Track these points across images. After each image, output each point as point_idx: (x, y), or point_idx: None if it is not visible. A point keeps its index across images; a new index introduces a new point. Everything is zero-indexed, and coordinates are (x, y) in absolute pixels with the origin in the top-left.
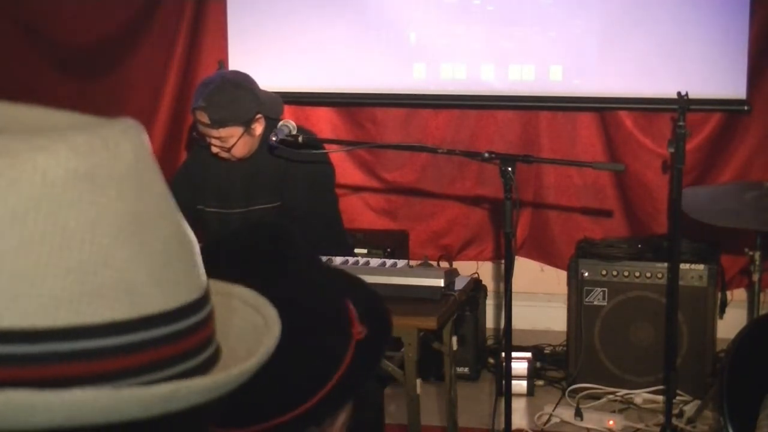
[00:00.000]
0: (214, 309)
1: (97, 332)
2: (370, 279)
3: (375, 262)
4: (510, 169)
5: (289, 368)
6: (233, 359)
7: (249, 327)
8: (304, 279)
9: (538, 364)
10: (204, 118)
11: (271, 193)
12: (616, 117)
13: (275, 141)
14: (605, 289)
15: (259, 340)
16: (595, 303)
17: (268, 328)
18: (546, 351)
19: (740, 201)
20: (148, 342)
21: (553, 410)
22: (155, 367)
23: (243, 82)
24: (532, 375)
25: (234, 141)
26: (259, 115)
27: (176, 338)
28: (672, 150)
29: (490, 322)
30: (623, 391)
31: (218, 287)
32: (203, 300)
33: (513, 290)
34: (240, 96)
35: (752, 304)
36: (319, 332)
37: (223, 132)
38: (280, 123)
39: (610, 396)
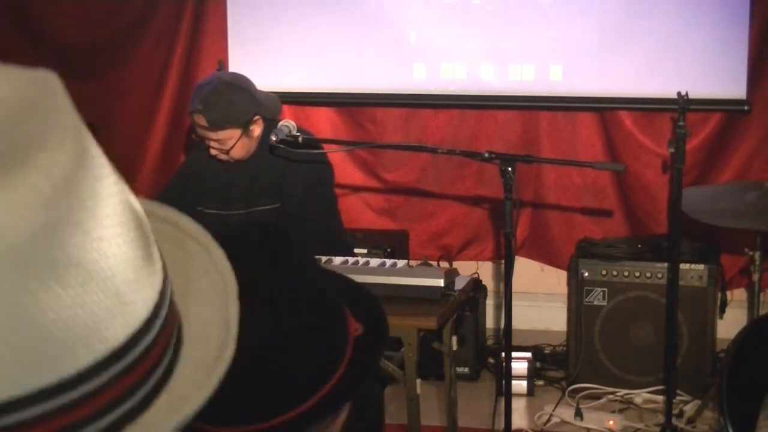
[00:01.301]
0: (172, 303)
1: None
2: (370, 279)
3: (375, 262)
4: (510, 169)
5: (291, 367)
6: (197, 335)
7: (209, 286)
8: (301, 278)
9: (538, 364)
10: (201, 120)
11: (270, 194)
12: (616, 117)
13: (275, 141)
14: (605, 289)
15: (223, 309)
16: (595, 303)
17: (227, 293)
18: (546, 351)
19: (740, 201)
20: (129, 366)
21: (553, 410)
22: (127, 396)
23: (239, 84)
24: (532, 375)
25: (232, 143)
26: (256, 117)
27: (148, 351)
28: (672, 150)
29: (490, 322)
30: (623, 391)
31: (157, 212)
32: (159, 305)
33: (513, 290)
34: (237, 98)
35: (752, 304)
36: (319, 331)
37: (221, 134)
38: (280, 123)
39: (610, 396)
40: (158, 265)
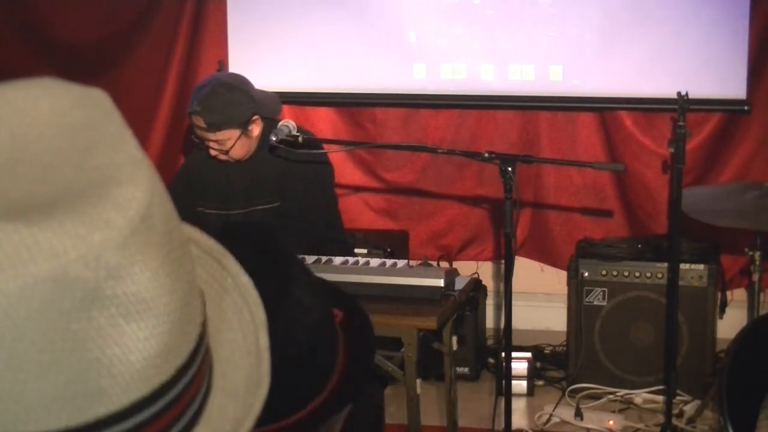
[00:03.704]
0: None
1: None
2: (370, 279)
3: (375, 262)
4: (510, 169)
5: (296, 367)
6: (226, 363)
7: (234, 312)
8: (295, 281)
9: (538, 364)
10: (200, 122)
11: (270, 194)
12: (616, 117)
13: (275, 141)
14: (605, 289)
15: (250, 337)
16: (595, 303)
17: (255, 322)
18: (546, 351)
19: (740, 201)
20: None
21: (553, 410)
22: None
23: (237, 84)
24: (532, 375)
25: (231, 143)
26: (255, 117)
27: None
28: (672, 150)
29: (490, 322)
30: (623, 391)
31: (213, 251)
32: (202, 336)
33: (513, 290)
34: (235, 98)
35: (752, 304)
36: (318, 330)
37: (220, 135)
38: (280, 123)
39: (610, 396)
40: (201, 296)
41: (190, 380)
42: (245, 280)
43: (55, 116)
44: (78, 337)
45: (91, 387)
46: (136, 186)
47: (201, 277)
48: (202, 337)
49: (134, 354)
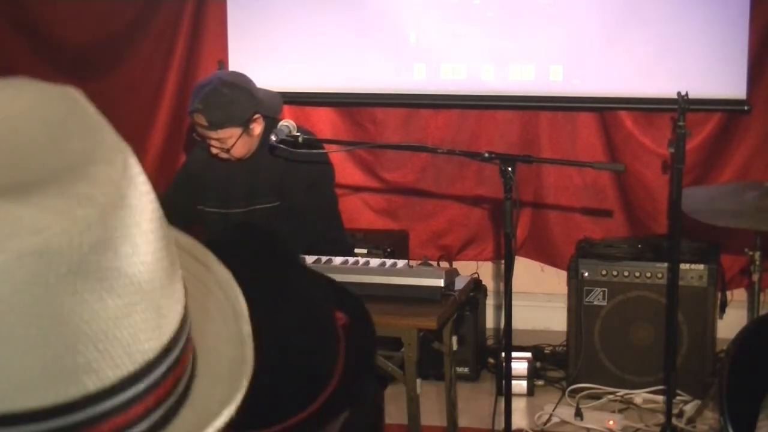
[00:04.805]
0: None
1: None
2: (370, 279)
3: (375, 262)
4: (510, 169)
5: (295, 367)
6: (209, 350)
7: (215, 305)
8: (291, 280)
9: (538, 364)
10: (201, 120)
11: (271, 193)
12: (616, 117)
13: (275, 141)
14: (605, 289)
15: (232, 327)
16: (595, 303)
17: (236, 313)
18: (546, 351)
19: (740, 201)
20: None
21: (553, 410)
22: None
23: (239, 83)
24: (532, 375)
25: (233, 142)
26: (257, 115)
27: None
28: (672, 150)
29: (490, 322)
30: (623, 391)
31: (196, 253)
32: (185, 319)
33: (513, 290)
34: (236, 97)
35: (752, 304)
36: (315, 331)
37: (221, 133)
38: (280, 123)
39: (610, 396)
40: (182, 281)
41: (175, 360)
42: (226, 276)
43: (30, 111)
44: (64, 311)
45: (79, 362)
46: (112, 165)
47: (182, 275)
48: (185, 320)
49: (119, 330)
